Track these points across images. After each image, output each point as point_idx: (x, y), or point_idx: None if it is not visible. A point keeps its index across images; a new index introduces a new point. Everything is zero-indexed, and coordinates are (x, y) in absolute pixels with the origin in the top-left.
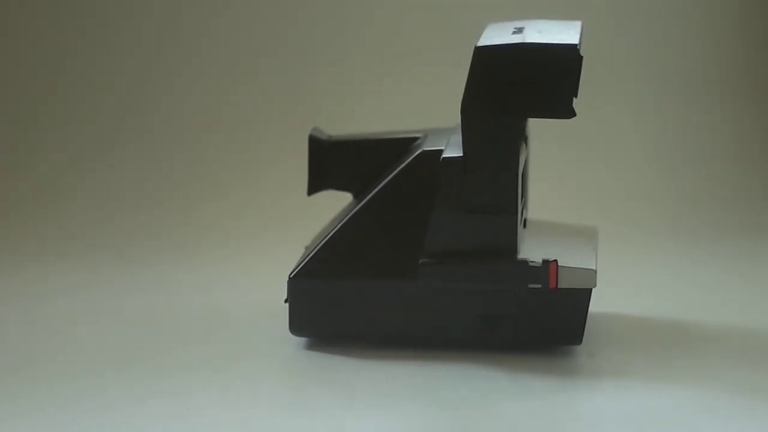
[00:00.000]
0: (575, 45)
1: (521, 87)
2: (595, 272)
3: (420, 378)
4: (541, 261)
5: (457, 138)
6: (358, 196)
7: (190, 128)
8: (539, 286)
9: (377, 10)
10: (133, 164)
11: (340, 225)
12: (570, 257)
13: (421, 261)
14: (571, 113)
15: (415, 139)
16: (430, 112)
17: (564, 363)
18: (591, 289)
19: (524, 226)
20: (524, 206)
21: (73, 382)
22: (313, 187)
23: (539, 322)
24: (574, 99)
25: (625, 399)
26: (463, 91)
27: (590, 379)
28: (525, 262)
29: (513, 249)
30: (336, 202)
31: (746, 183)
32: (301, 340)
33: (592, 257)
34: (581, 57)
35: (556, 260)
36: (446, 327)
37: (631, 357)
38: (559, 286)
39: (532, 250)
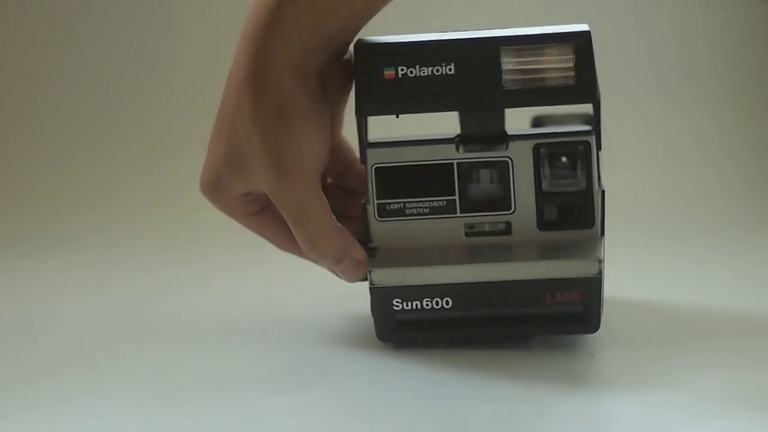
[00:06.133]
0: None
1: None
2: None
3: (419, 376)
4: None
5: None
6: None
7: (195, 129)
8: None
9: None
10: (139, 164)
11: None
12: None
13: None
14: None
15: None
16: None
17: (565, 363)
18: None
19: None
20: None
21: (77, 384)
22: None
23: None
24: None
25: (625, 400)
26: None
27: (590, 379)
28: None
29: (368, 237)
30: None
31: (752, 181)
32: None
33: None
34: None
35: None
36: None
37: (632, 358)
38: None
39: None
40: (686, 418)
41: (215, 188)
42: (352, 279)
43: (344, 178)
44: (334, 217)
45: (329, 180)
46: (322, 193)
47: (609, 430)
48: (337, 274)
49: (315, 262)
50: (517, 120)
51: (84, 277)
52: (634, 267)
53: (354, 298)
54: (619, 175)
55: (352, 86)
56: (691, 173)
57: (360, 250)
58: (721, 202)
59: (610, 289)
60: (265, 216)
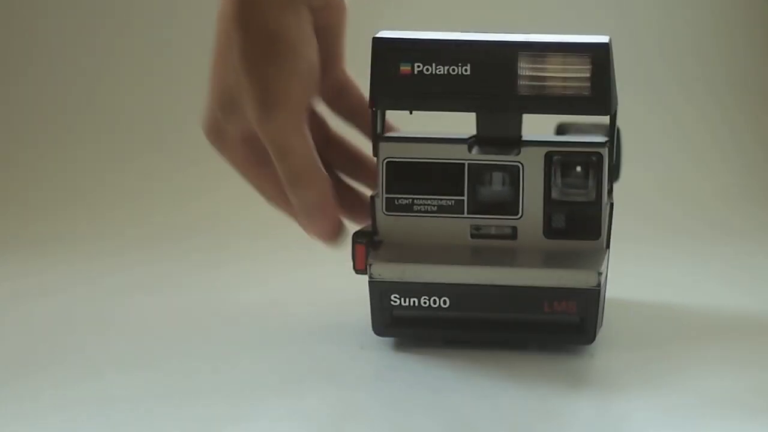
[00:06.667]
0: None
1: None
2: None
3: (420, 377)
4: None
5: None
6: None
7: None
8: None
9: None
10: (145, 163)
11: None
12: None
13: None
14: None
15: None
16: None
17: (566, 363)
18: (373, 281)
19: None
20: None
21: (77, 385)
22: None
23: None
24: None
25: (626, 400)
26: None
27: (591, 379)
28: (357, 241)
29: (375, 229)
30: None
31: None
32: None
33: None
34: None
35: (364, 242)
36: None
37: (632, 358)
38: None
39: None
40: (688, 418)
41: (214, 132)
42: (318, 233)
43: (352, 123)
44: (319, 159)
45: (337, 172)
46: (308, 130)
47: (610, 429)
48: (305, 227)
49: (291, 214)
50: (545, 127)
51: (80, 278)
52: (636, 265)
53: (355, 299)
54: (628, 170)
55: (345, 17)
56: (700, 172)
57: (334, 212)
58: (729, 201)
59: (611, 288)
60: (264, 168)
